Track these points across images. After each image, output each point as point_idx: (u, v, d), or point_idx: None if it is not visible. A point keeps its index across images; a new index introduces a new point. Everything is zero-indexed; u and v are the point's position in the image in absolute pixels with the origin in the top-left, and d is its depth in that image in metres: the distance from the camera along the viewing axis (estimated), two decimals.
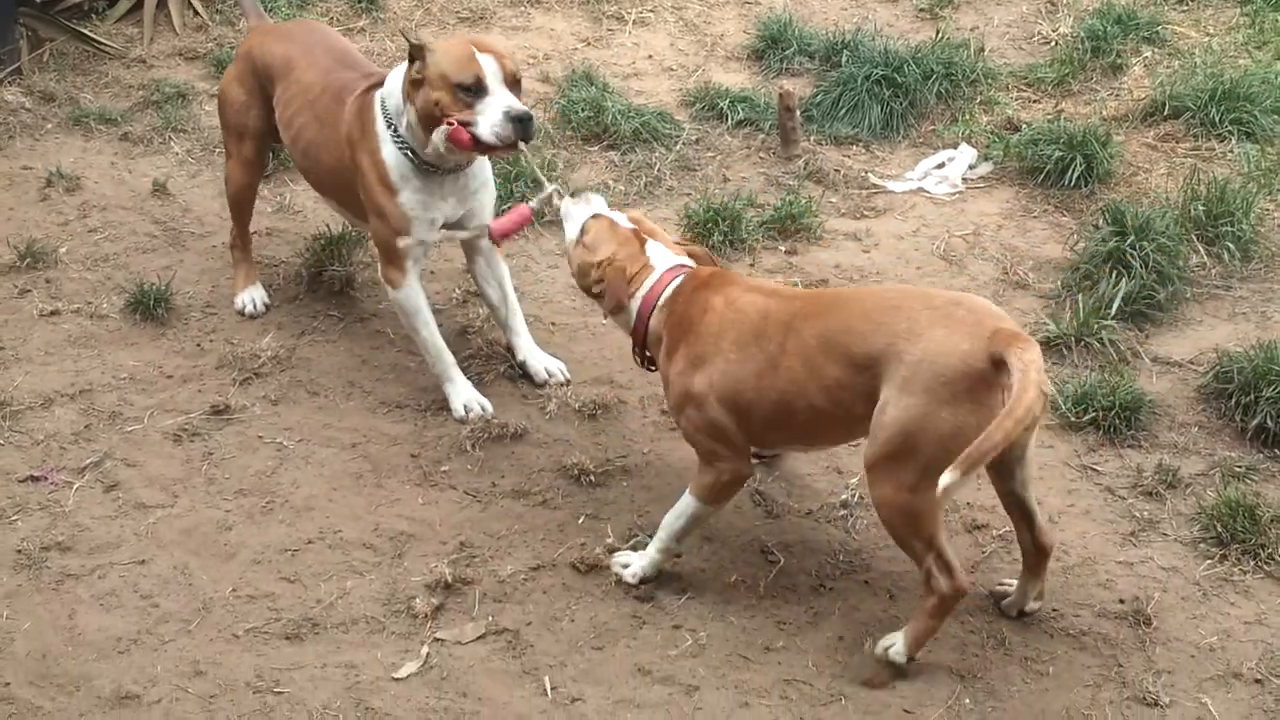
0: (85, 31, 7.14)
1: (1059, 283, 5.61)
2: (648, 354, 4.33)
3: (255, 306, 5.45)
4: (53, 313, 5.39)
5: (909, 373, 3.71)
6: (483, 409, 4.96)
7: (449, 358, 5.02)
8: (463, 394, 4.99)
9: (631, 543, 4.36)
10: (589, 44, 7.36)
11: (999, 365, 3.62)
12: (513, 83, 4.65)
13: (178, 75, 6.99)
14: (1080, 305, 5.36)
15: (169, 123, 6.57)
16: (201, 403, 4.97)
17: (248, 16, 5.66)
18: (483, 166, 5.01)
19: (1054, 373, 5.04)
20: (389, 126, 4.81)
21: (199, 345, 5.29)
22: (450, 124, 4.58)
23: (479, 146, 4.63)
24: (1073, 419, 4.90)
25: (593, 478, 4.67)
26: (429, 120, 4.65)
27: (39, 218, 5.94)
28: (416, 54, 4.64)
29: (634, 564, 4.28)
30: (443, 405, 4.98)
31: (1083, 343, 5.24)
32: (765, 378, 3.97)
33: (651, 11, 7.64)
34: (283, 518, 4.51)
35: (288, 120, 5.15)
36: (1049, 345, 5.24)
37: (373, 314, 5.48)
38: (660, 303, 4.22)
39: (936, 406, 3.68)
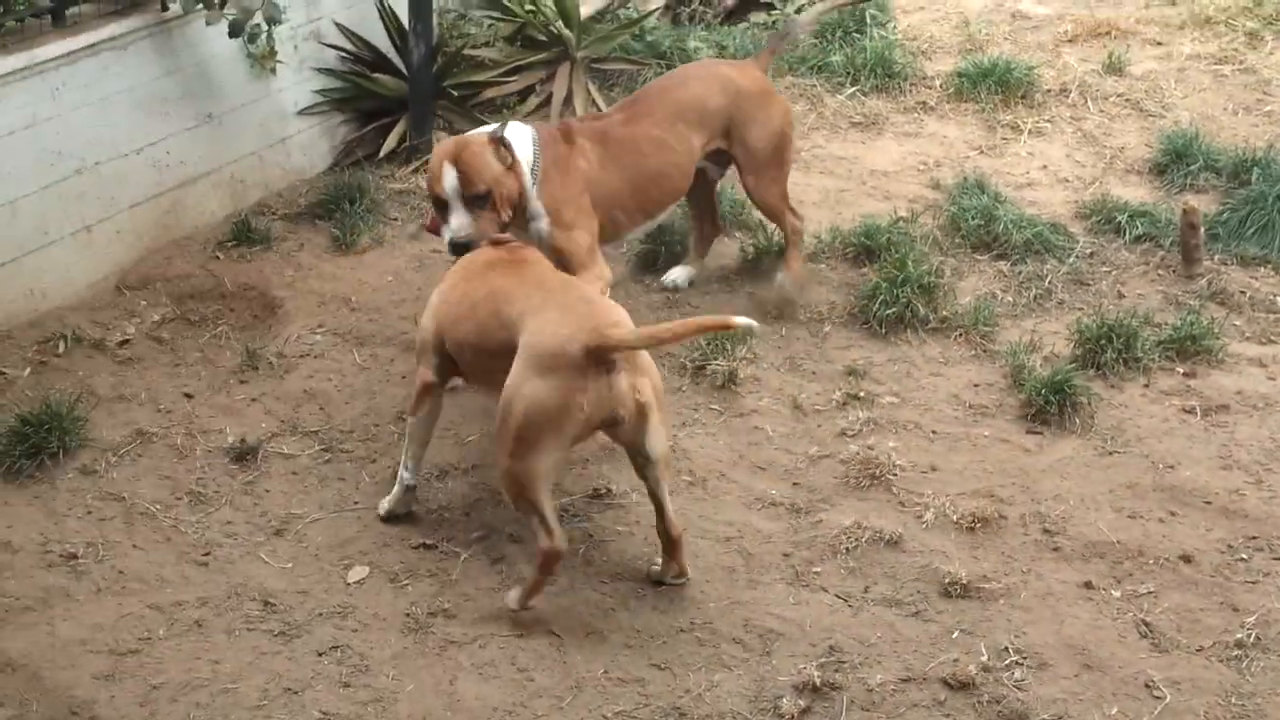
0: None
1: None
2: None
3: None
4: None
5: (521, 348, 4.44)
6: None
7: None
8: None
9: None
10: (981, 152, 7.27)
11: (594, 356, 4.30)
12: (473, 200, 5.14)
13: None
14: None
15: None
16: (584, 486, 5.09)
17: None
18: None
19: None
20: None
21: None
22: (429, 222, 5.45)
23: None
24: None
25: (968, 592, 4.55)
26: None
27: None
28: None
29: (381, 503, 4.95)
30: (820, 503, 4.97)
31: None
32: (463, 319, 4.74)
33: (1049, 121, 7.50)
34: (655, 604, 4.56)
35: None
36: None
37: (753, 410, 5.51)
38: None
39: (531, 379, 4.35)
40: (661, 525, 4.61)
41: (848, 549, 4.77)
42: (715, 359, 5.68)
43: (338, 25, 7.24)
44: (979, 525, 4.86)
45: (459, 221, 5.16)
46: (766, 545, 4.82)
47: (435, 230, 5.35)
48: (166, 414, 5.46)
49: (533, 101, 7.78)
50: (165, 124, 6.44)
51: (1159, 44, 8.15)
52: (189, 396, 5.57)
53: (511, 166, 5.26)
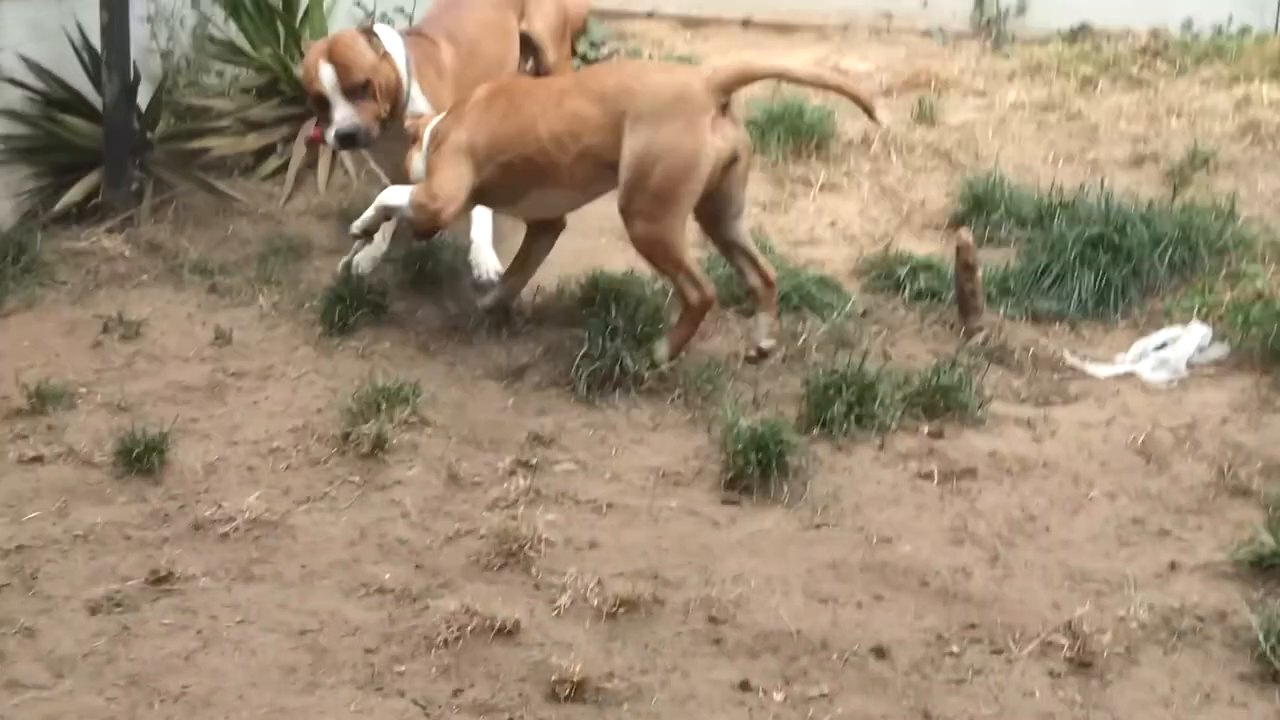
0: (217, 185, 6.54)
1: None
2: None
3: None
4: (35, 459, 4.58)
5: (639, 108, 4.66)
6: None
7: None
8: None
9: None
10: (765, 209, 6.30)
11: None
12: (353, 90, 5.16)
13: (300, 230, 6.27)
14: None
15: (265, 276, 5.82)
16: (144, 569, 4.03)
17: None
18: None
19: (1267, 606, 3.65)
20: None
21: (181, 505, 4.38)
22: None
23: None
24: (1278, 666, 3.45)
25: (583, 695, 3.48)
26: None
27: (80, 363, 5.20)
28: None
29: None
30: (440, 587, 3.93)
31: None
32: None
33: (846, 175, 6.56)
34: (171, 714, 3.47)
35: None
36: (1265, 569, 3.84)
37: (397, 482, 4.48)
38: None
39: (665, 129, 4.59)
40: (757, 271, 4.94)
41: (447, 642, 3.70)
42: (364, 422, 4.66)
43: (24, 59, 6.28)
44: (624, 612, 3.80)
45: (343, 113, 5.20)
46: (348, 640, 3.74)
47: (319, 139, 5.53)
48: None
49: (272, 163, 6.86)
50: None
51: (982, 94, 7.26)
52: None
53: (385, 57, 5.30)
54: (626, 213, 4.80)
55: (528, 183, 4.96)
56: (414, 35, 5.66)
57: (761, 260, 4.98)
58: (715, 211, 4.86)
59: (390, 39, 5.42)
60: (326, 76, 5.18)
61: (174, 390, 5.05)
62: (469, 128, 4.99)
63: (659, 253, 4.77)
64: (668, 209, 4.66)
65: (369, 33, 5.33)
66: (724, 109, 4.69)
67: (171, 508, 4.37)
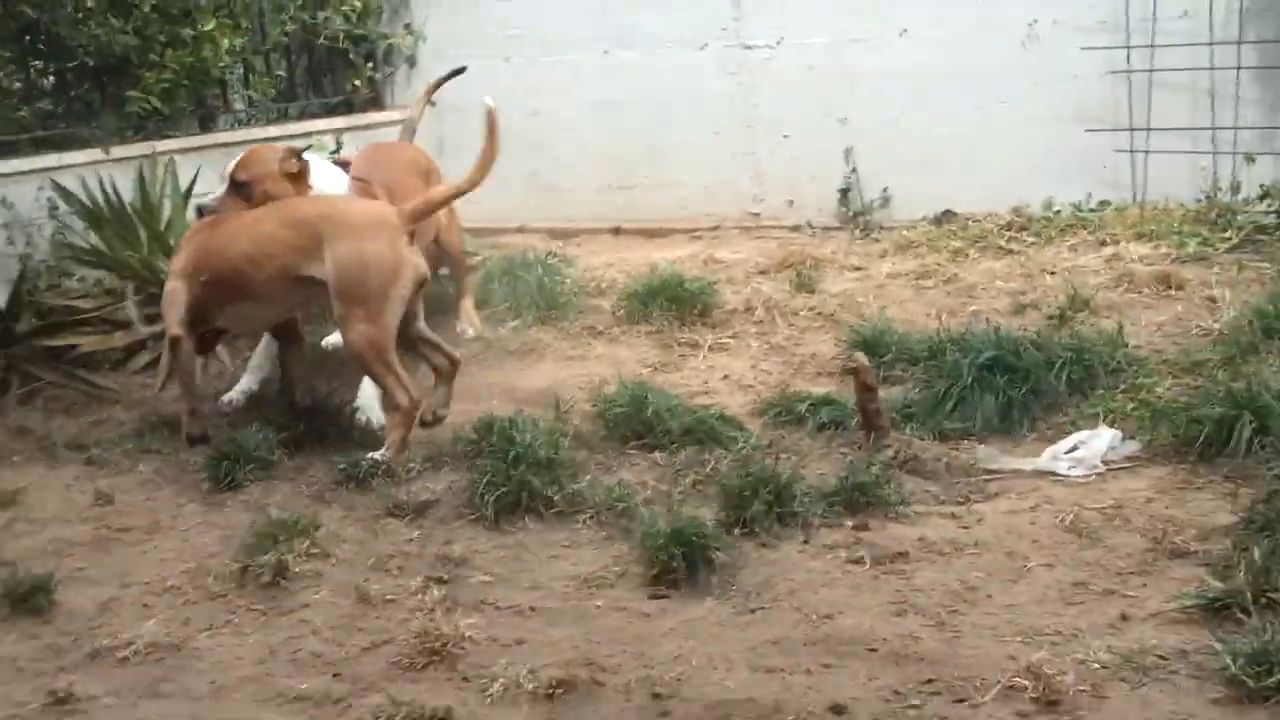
0: (89, 377, 6.32)
1: (1230, 543, 4.10)
2: None
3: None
4: None
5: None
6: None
7: None
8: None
9: None
10: (656, 369, 6.24)
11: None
12: (236, 185, 5.54)
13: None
14: (1257, 553, 3.84)
15: (143, 447, 5.58)
16: (42, 693, 3.69)
17: None
18: None
19: (1226, 642, 3.53)
20: None
21: (75, 638, 4.06)
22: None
23: None
24: (1251, 684, 3.32)
25: None
26: None
27: None
28: None
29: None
30: (362, 690, 3.64)
31: (1262, 598, 3.68)
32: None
33: (732, 338, 6.54)
34: None
35: None
36: (1216, 610, 3.74)
37: (304, 605, 4.20)
38: None
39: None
40: (443, 354, 5.43)
41: None
42: (262, 554, 4.39)
43: None
44: (562, 693, 3.56)
45: (214, 196, 5.61)
46: None
47: None
48: None
49: (143, 358, 6.66)
50: None
51: (858, 268, 7.34)
52: None
53: (297, 175, 5.58)
54: (344, 320, 5.24)
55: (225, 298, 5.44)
56: (358, 180, 5.95)
57: (445, 346, 5.50)
58: (404, 320, 5.29)
59: (327, 172, 5.82)
60: (229, 165, 5.59)
61: (58, 545, 4.78)
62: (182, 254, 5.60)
63: (373, 355, 5.18)
64: (380, 312, 5.17)
65: (293, 153, 5.65)
66: (410, 237, 5.34)
67: (65, 641, 4.09)
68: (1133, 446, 5.00)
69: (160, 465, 5.41)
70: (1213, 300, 6.23)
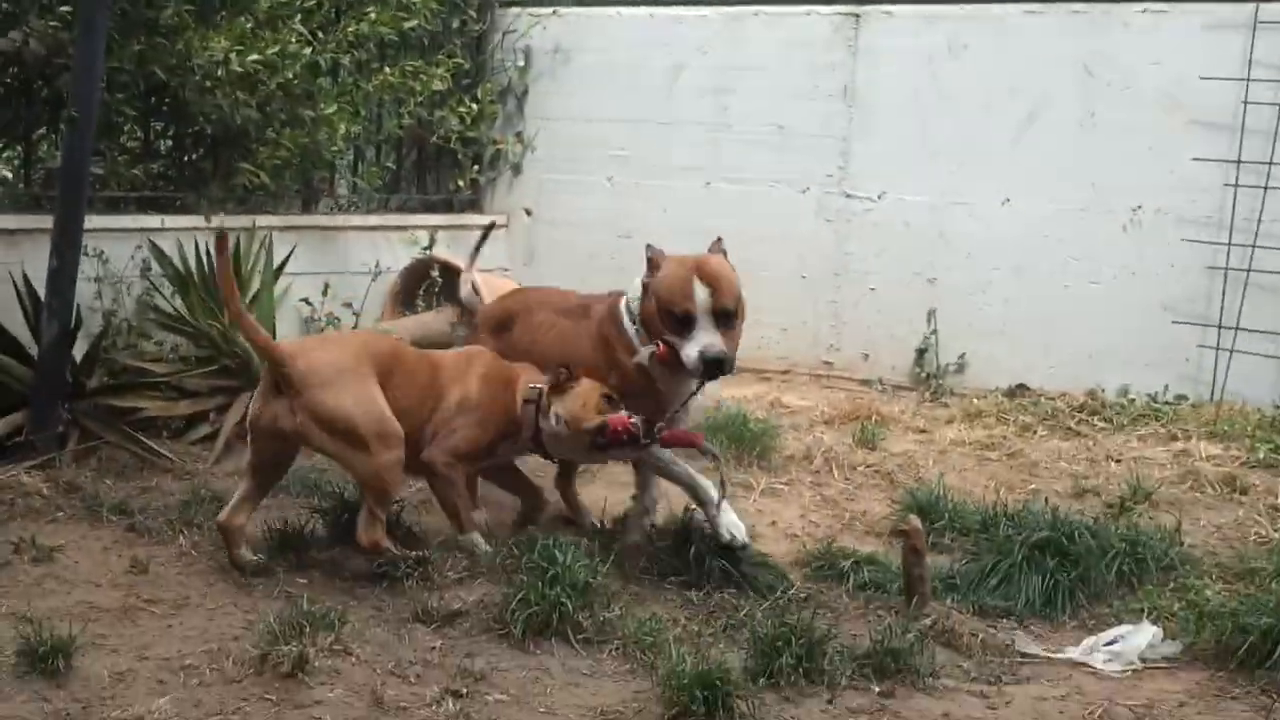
0: (145, 440, 6.39)
1: None
2: None
3: None
4: None
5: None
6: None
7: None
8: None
9: None
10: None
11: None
12: (722, 316, 5.02)
13: (227, 487, 6.05)
14: None
15: (187, 519, 5.62)
16: None
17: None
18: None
19: None
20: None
21: (85, 707, 4.07)
22: (658, 345, 5.10)
23: (677, 367, 5.09)
24: None
25: None
26: (649, 327, 5.18)
27: None
28: (651, 264, 5.20)
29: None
30: None
31: None
32: None
33: (786, 484, 6.53)
34: None
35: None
36: None
37: (318, 701, 4.18)
38: None
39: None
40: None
41: None
42: (285, 643, 4.39)
43: None
44: None
45: (710, 339, 5.03)
46: None
47: (664, 359, 5.13)
48: None
49: (202, 429, 6.75)
50: None
51: (922, 431, 7.32)
52: None
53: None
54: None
55: None
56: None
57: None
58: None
59: None
60: (701, 297, 5.04)
61: (84, 609, 4.80)
62: None
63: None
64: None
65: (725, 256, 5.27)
66: None
67: (75, 709, 4.09)
68: (1173, 647, 4.89)
69: (199, 539, 5.44)
70: (1276, 509, 6.13)
